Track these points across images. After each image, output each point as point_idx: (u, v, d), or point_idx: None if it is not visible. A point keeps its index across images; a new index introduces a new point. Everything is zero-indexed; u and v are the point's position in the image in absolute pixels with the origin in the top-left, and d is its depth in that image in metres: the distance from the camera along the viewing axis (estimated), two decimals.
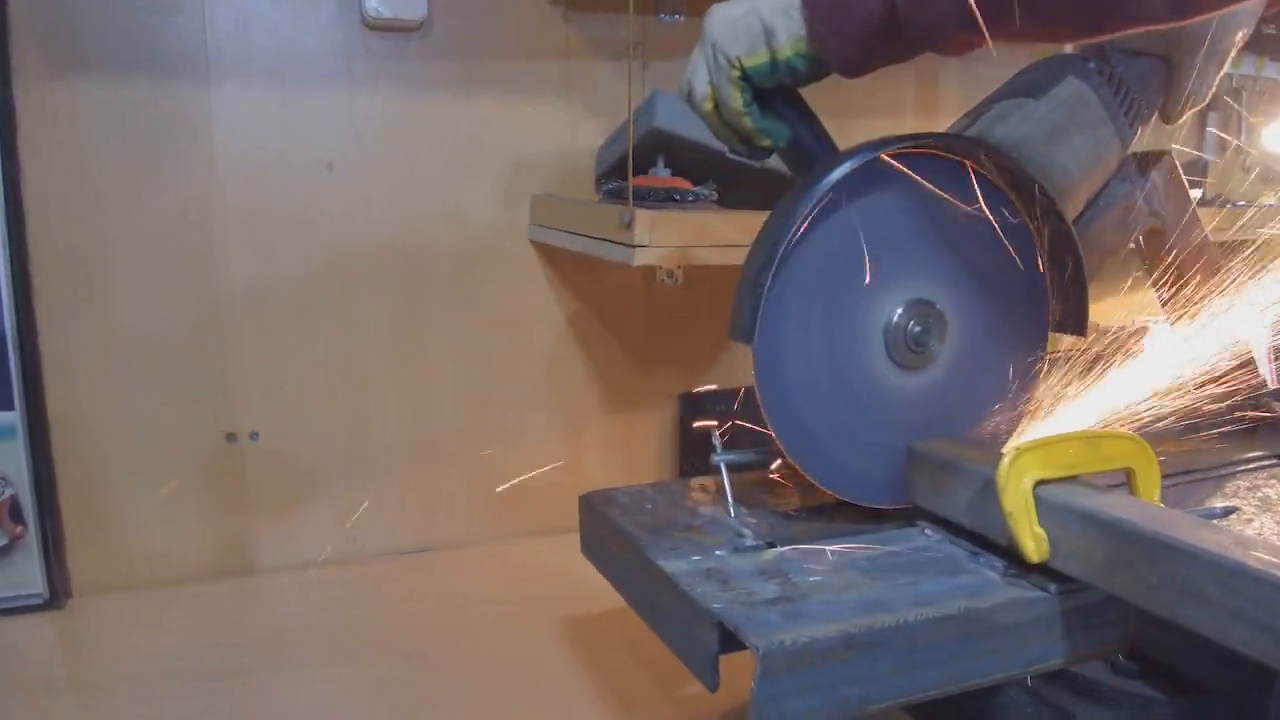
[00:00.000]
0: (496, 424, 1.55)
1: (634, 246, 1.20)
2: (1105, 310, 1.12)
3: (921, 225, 0.85)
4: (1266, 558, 0.57)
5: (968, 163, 0.85)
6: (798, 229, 0.77)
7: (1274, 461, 1.06)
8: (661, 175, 1.36)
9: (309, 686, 1.13)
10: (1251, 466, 1.05)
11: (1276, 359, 1.47)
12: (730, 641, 0.66)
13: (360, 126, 1.41)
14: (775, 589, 0.71)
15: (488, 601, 1.37)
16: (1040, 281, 0.91)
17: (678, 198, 1.31)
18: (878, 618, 0.65)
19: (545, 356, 1.57)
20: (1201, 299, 1.06)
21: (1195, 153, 2.13)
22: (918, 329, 0.85)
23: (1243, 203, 2.05)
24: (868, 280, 0.83)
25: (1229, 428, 1.12)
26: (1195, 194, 1.75)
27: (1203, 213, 1.13)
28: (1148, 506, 0.68)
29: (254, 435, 1.42)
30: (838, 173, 0.78)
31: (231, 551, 1.44)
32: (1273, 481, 1.01)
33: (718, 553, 0.79)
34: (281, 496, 1.45)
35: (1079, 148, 0.95)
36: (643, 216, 1.19)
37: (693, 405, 1.62)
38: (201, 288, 1.37)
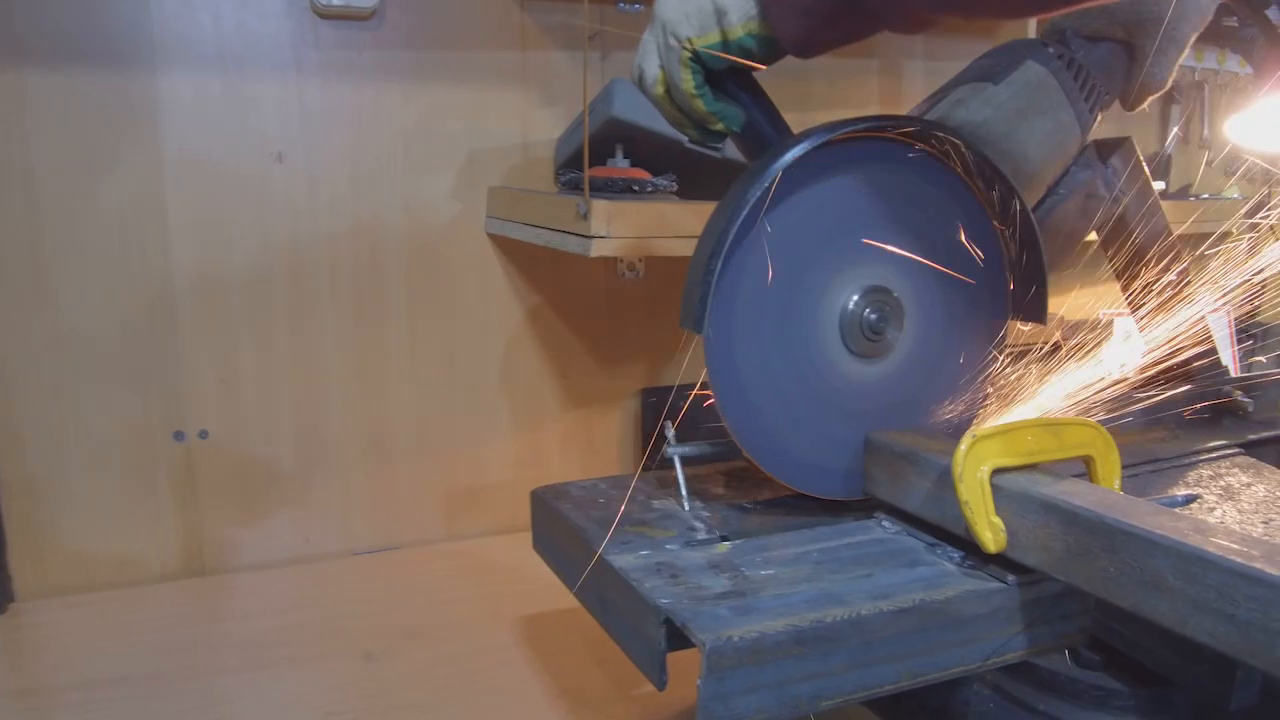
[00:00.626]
0: (455, 421, 1.52)
1: (591, 238, 1.17)
2: (1069, 302, 1.10)
3: (879, 209, 0.83)
4: (1226, 544, 0.55)
5: (925, 147, 0.83)
6: (748, 213, 0.75)
7: (1237, 450, 1.05)
8: (620, 166, 1.34)
9: (261, 690, 1.10)
10: (1214, 455, 1.03)
11: (1239, 346, 1.46)
12: (680, 638, 0.64)
13: (311, 117, 1.38)
14: (726, 583, 0.69)
15: (446, 601, 1.34)
16: (1000, 269, 0.89)
17: (636, 188, 1.29)
18: (830, 611, 0.63)
19: (504, 351, 1.54)
20: (1163, 286, 1.05)
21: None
22: (874, 317, 0.83)
23: (1206, 195, 2.05)
24: (822, 266, 0.81)
25: (1192, 415, 1.12)
26: (1158, 185, 1.76)
27: (1165, 205, 1.12)
28: (1106, 494, 0.66)
29: (203, 433, 1.39)
30: (789, 155, 0.76)
31: (182, 554, 1.40)
32: (1235, 470, 1.00)
33: (669, 547, 0.76)
34: (233, 497, 1.42)
35: (1039, 132, 0.94)
36: (600, 207, 1.17)
37: (655, 400, 1.60)
38: (148, 282, 1.34)
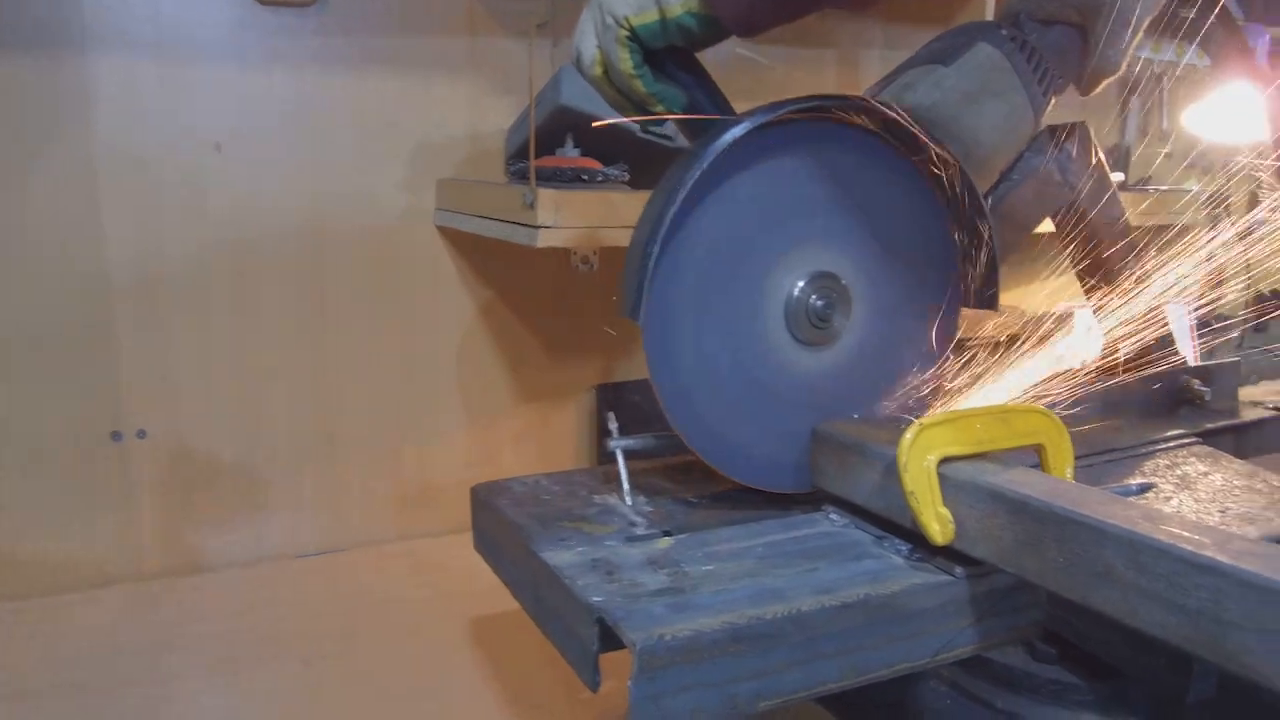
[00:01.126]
0: (405, 417, 1.49)
1: (538, 227, 1.14)
2: (1028, 294, 1.09)
3: (825, 194, 0.80)
4: (1177, 531, 0.53)
5: (874, 129, 0.81)
6: (686, 196, 0.72)
7: (1194, 440, 1.03)
8: (570, 155, 1.31)
9: (197, 698, 1.07)
10: (1171, 445, 1.01)
11: (1197, 335, 1.45)
12: (615, 638, 0.60)
13: (251, 106, 1.33)
14: (664, 580, 0.66)
15: (394, 603, 1.31)
16: (951, 255, 0.87)
17: (586, 178, 1.26)
18: (770, 608, 0.60)
19: (456, 347, 1.51)
20: (1119, 273, 1.04)
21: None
22: (820, 304, 0.80)
23: (1165, 187, 2.05)
24: (766, 251, 0.78)
25: (1148, 403, 1.10)
26: (1117, 177, 1.75)
27: (1124, 197, 1.10)
28: (1056, 482, 0.64)
29: (141, 433, 1.34)
30: (729, 136, 0.73)
31: (119, 558, 1.36)
32: (1192, 459, 0.98)
33: (608, 543, 0.73)
34: (174, 499, 1.37)
35: (991, 115, 0.91)
36: (546, 196, 1.14)
37: (610, 396, 1.57)
38: (82, 277, 1.29)
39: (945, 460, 0.67)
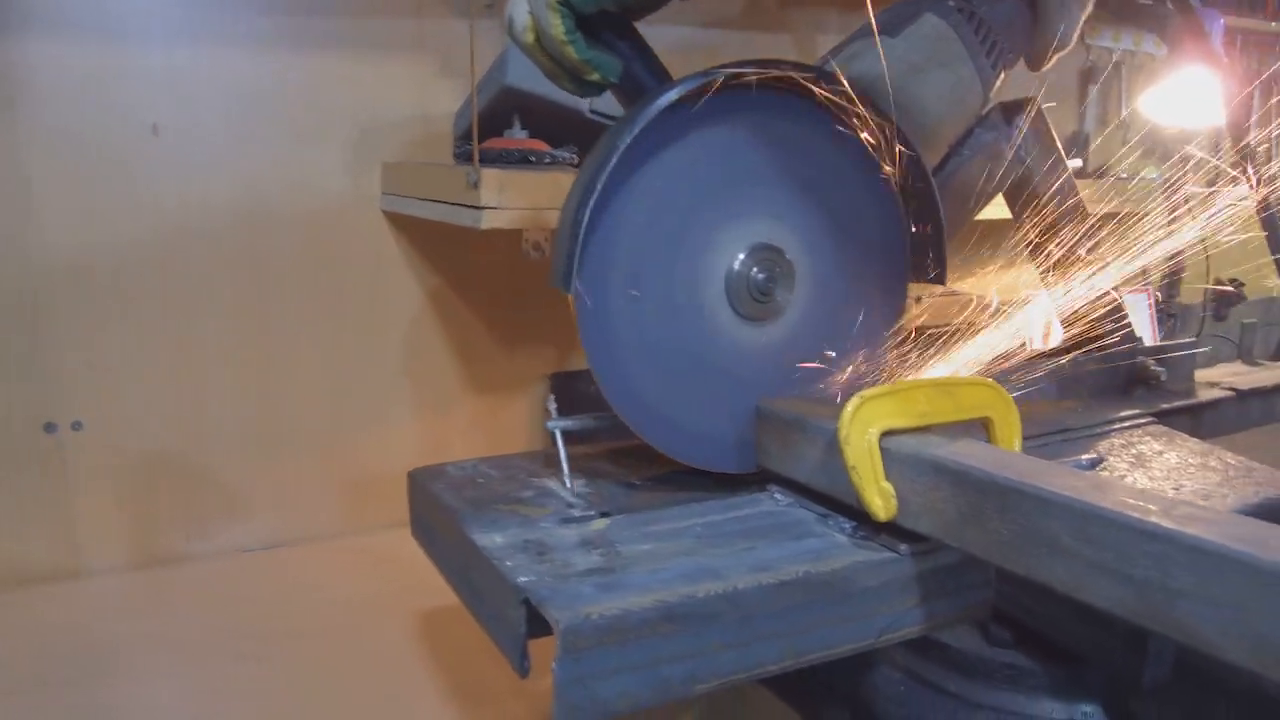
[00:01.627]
0: (352, 408, 1.45)
1: (481, 208, 1.11)
2: (982, 281, 1.07)
3: (766, 164, 0.78)
4: (1123, 499, 0.51)
5: (817, 97, 0.78)
6: (619, 161, 0.69)
7: (1149, 420, 1.02)
8: (517, 137, 1.28)
9: (133, 697, 1.02)
10: (1126, 425, 1.00)
11: (1159, 326, 1.44)
12: (544, 621, 0.57)
13: (188, 86, 1.29)
14: (597, 559, 0.63)
15: (339, 599, 1.26)
16: (898, 229, 0.84)
17: (534, 159, 1.23)
18: (704, 586, 0.58)
19: (404, 335, 1.47)
20: (1071, 250, 1.02)
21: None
22: (762, 277, 0.77)
23: (1124, 175, 2.04)
24: (705, 222, 0.75)
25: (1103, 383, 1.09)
26: (1075, 164, 1.74)
27: (1082, 184, 1.09)
28: (1001, 453, 0.62)
29: (77, 425, 1.29)
30: (665, 99, 0.70)
31: (55, 554, 1.31)
32: (1147, 438, 0.97)
33: (542, 525, 0.70)
34: (111, 492, 1.33)
35: (938, 86, 0.89)
36: (490, 176, 1.11)
37: (563, 385, 1.54)
38: (12, 263, 1.24)
39: (888, 434, 0.65)
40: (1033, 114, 1.03)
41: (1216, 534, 0.46)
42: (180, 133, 1.29)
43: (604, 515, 0.72)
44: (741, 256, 0.77)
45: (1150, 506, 0.49)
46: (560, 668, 0.53)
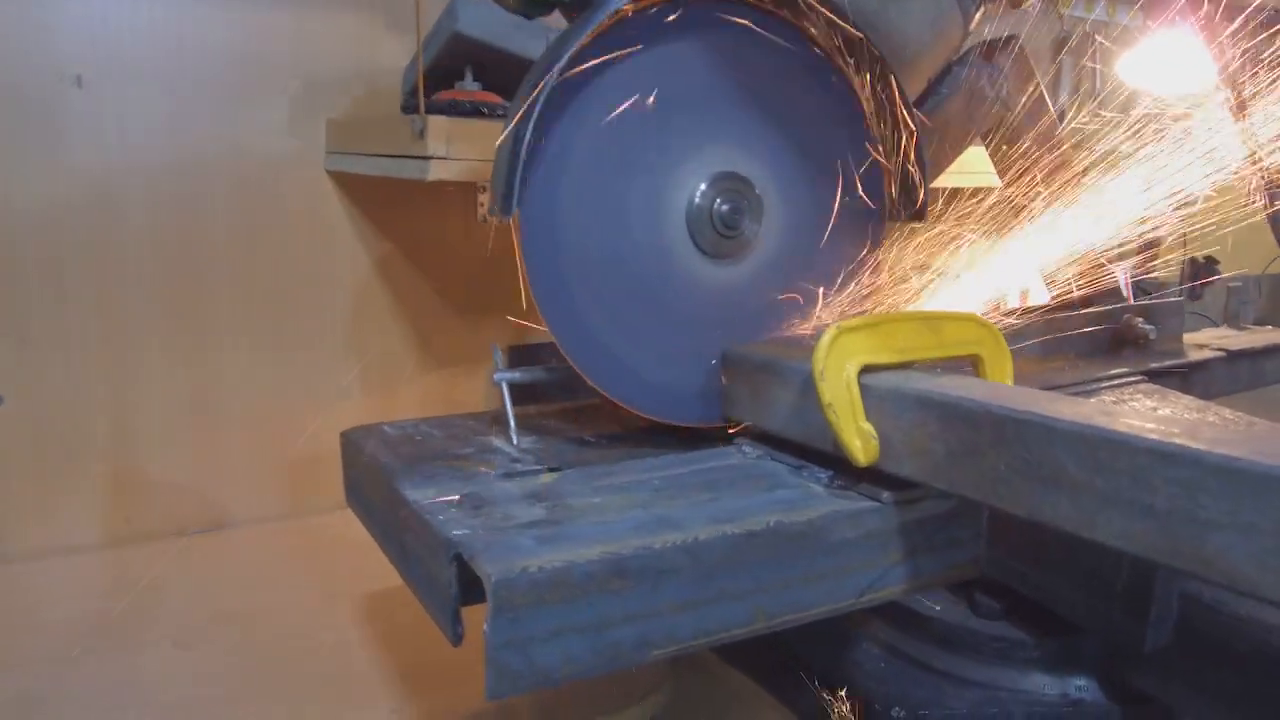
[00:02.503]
0: (295, 384, 1.36)
1: (428, 159, 1.03)
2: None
3: (732, 86, 0.71)
4: (1138, 423, 0.44)
5: (791, 18, 0.71)
6: (565, 70, 0.62)
7: (1140, 378, 0.96)
8: (470, 89, 1.20)
9: (58, 684, 0.95)
10: (1116, 383, 0.94)
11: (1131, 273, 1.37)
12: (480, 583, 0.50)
13: (114, 36, 1.20)
14: (541, 512, 0.55)
15: (280, 581, 1.19)
16: (876, 161, 0.78)
17: (486, 111, 1.15)
18: (660, 537, 0.50)
19: (351, 305, 1.38)
20: (1053, 195, 0.96)
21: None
22: (726, 208, 0.70)
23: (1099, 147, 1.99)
24: (663, 149, 0.68)
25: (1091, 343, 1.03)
26: None
27: None
28: (994, 385, 0.55)
29: None
30: (616, 2, 0.63)
31: None
32: (1139, 396, 0.90)
33: (483, 479, 0.63)
34: (37, 473, 1.24)
35: (916, 13, 0.83)
36: (437, 125, 1.03)
37: (524, 358, 1.46)
38: None
39: (867, 370, 0.58)
40: (1014, 53, 0.97)
41: (1253, 452, 0.39)
42: (107, 86, 1.21)
43: (552, 470, 0.65)
44: (704, 187, 0.70)
45: (1173, 429, 0.43)
46: (492, 629, 0.45)
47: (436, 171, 1.03)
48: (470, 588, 0.50)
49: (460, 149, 1.04)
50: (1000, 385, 0.55)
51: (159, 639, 1.04)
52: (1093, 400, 0.72)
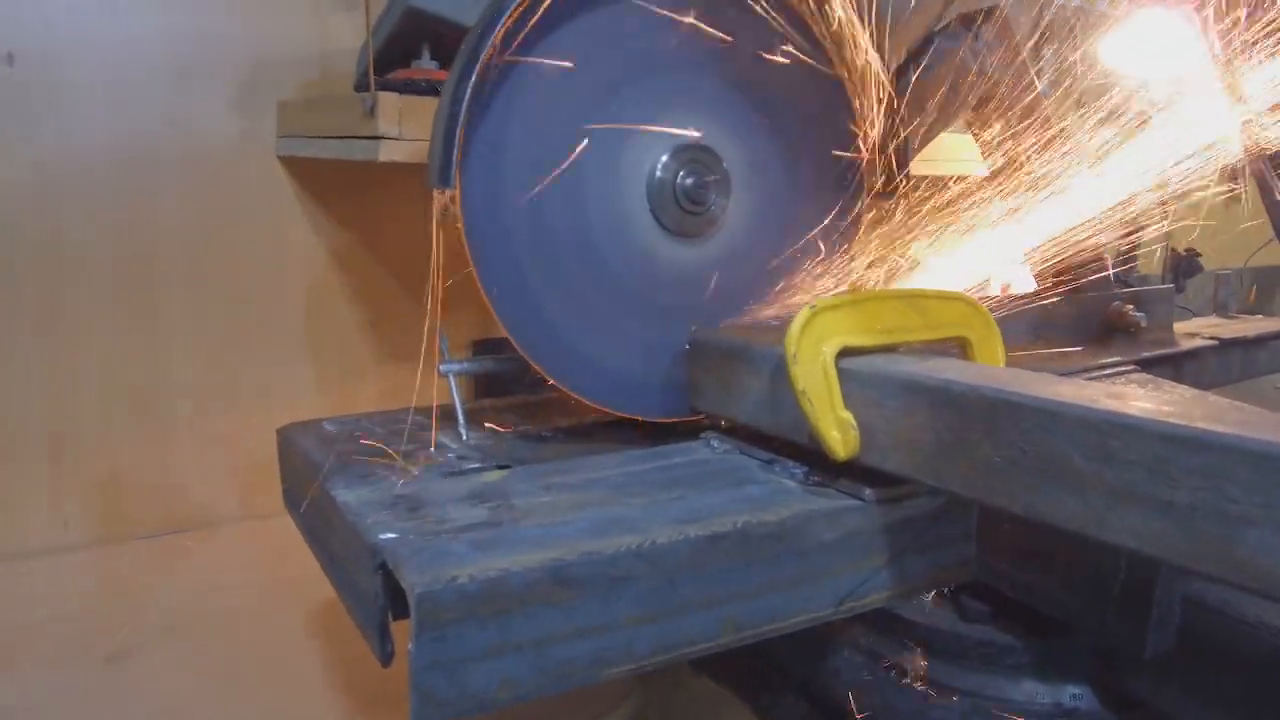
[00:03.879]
0: (247, 381, 1.29)
1: (379, 139, 0.97)
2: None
3: (696, 49, 0.65)
4: (1153, 406, 0.39)
5: None
6: (506, 28, 0.56)
7: (1132, 368, 0.91)
8: (426, 68, 1.14)
9: None
10: (1108, 373, 0.89)
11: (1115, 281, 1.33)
12: None
13: (50, 11, 1.13)
14: (482, 514, 0.49)
15: (229, 589, 1.12)
16: (853, 135, 0.72)
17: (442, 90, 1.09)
18: (613, 540, 0.44)
19: (304, 298, 1.32)
20: (1040, 169, 0.91)
21: None
22: (690, 182, 0.64)
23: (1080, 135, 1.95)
24: (621, 116, 0.62)
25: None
26: None
27: None
28: (988, 368, 0.49)
29: None
30: None
31: None
32: (1132, 385, 0.85)
33: (422, 478, 0.57)
34: None
35: None
36: (388, 101, 0.97)
37: (493, 352, 1.39)
38: None
39: (845, 353, 0.52)
40: (998, 24, 0.92)
41: None
42: (40, 64, 1.13)
43: (501, 468, 0.59)
44: (665, 159, 0.64)
45: (1194, 411, 0.37)
46: (417, 648, 0.39)
47: (388, 152, 0.97)
48: (401, 599, 0.44)
49: (413, 128, 0.98)
50: (993, 368, 0.49)
51: (94, 652, 0.97)
52: (1099, 382, 0.67)
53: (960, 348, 0.57)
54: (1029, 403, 0.42)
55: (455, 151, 0.55)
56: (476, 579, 0.40)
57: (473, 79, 0.55)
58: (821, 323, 0.52)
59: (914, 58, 0.86)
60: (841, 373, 0.52)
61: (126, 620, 1.04)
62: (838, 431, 0.51)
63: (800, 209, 0.69)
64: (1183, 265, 2.38)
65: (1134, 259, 2.23)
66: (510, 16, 0.55)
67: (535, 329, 0.62)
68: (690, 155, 0.64)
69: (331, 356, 1.34)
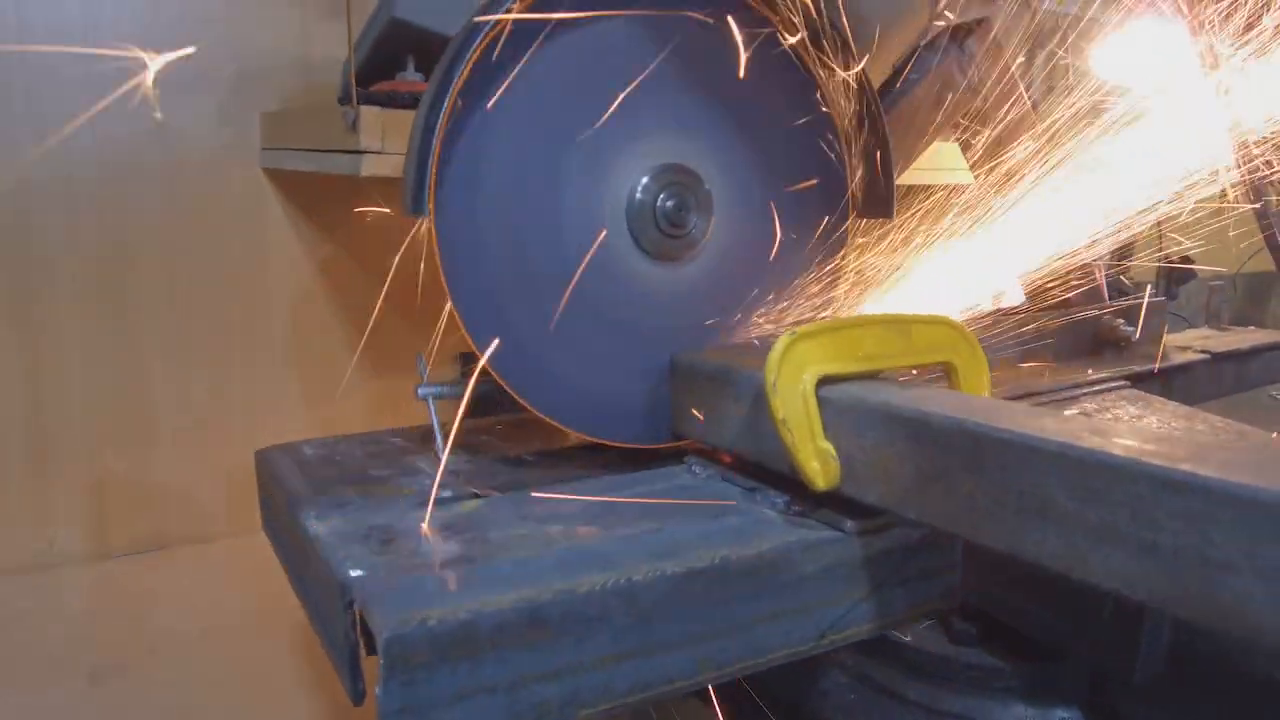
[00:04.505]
0: (232, 394, 1.28)
1: (361, 153, 0.96)
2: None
3: (675, 68, 0.64)
4: (1137, 444, 0.38)
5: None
6: (481, 49, 0.55)
7: (1122, 383, 0.90)
8: (411, 79, 1.13)
9: None
10: (1098, 389, 0.88)
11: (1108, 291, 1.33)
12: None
13: (25, 17, 1.12)
14: (456, 548, 0.48)
15: (213, 607, 1.11)
16: (836, 152, 0.71)
17: None
18: (587, 578, 0.43)
19: (290, 309, 1.31)
20: (1028, 181, 0.90)
21: None
22: (671, 204, 0.63)
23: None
24: (600, 137, 0.61)
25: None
26: None
27: None
28: (970, 398, 0.48)
29: None
30: None
31: None
32: (1123, 403, 0.85)
33: (396, 508, 0.56)
34: None
35: None
36: (370, 116, 0.96)
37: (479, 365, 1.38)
38: None
39: (826, 380, 0.51)
40: (985, 36, 0.91)
41: (1273, 479, 0.33)
42: (17, 71, 1.12)
43: (477, 496, 0.58)
44: (645, 180, 0.63)
45: (1177, 451, 0.36)
46: (385, 693, 0.38)
47: (370, 167, 0.96)
48: (373, 636, 0.44)
49: (396, 142, 0.97)
50: (975, 398, 0.48)
51: (75, 671, 0.97)
52: (1079, 415, 0.66)
53: (945, 373, 0.56)
54: (1011, 438, 0.41)
55: (429, 178, 0.54)
56: (446, 621, 0.39)
57: (444, 106, 0.54)
58: (801, 350, 0.51)
59: (901, 72, 0.86)
60: (822, 401, 0.51)
61: (111, 638, 1.03)
62: (817, 462, 0.50)
63: (783, 229, 0.68)
64: (1175, 271, 2.37)
65: (1127, 266, 2.22)
66: (484, 40, 0.54)
67: (512, 354, 0.61)
68: (672, 177, 0.63)
69: (315, 369, 1.34)
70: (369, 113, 0.95)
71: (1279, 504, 0.32)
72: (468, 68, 0.55)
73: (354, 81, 0.97)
